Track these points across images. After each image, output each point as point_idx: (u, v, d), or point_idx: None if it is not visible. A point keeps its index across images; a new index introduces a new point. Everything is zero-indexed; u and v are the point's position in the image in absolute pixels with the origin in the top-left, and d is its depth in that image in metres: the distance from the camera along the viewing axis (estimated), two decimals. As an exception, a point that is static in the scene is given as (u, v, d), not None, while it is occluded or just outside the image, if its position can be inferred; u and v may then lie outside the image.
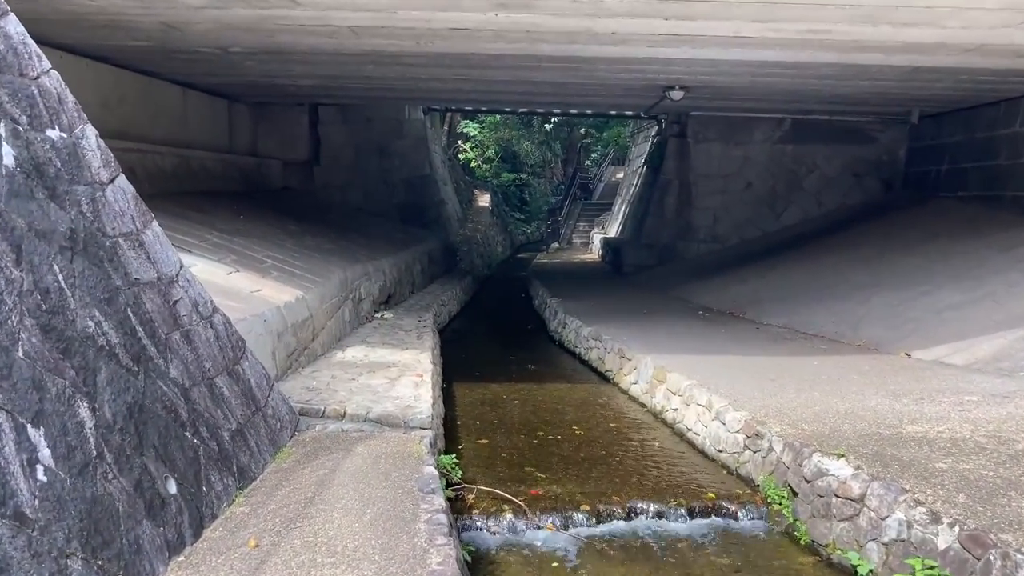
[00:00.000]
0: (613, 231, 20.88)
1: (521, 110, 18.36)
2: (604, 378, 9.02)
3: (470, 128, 27.40)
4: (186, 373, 4.17)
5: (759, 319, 10.33)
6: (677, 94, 12.00)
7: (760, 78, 10.83)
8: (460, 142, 27.53)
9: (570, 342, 10.60)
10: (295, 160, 16.41)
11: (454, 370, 9.11)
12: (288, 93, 14.29)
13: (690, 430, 6.60)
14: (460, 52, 9.32)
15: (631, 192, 19.54)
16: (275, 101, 15.80)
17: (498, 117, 27.98)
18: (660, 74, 10.94)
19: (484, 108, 18.46)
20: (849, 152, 15.40)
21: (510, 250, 27.04)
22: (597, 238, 22.26)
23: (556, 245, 24.51)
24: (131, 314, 3.80)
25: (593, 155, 36.42)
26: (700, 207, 15.85)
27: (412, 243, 14.63)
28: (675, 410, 6.97)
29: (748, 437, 5.63)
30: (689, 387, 6.81)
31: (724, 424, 5.99)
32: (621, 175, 32.93)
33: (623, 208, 20.46)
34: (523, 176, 31.11)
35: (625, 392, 8.28)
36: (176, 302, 4.45)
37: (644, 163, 18.10)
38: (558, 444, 6.52)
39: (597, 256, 21.00)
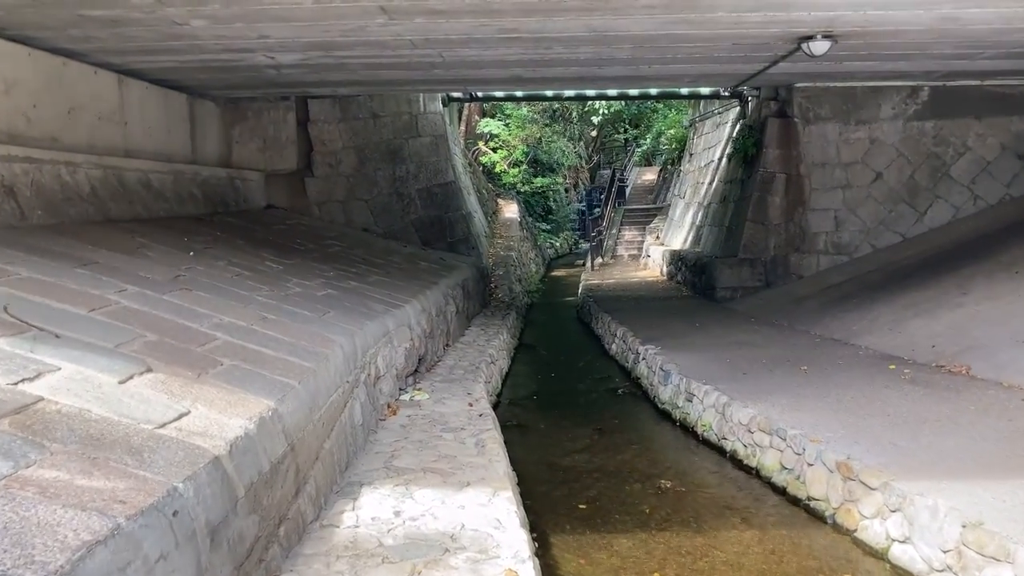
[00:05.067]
0: (679, 242, 17.07)
1: (568, 94, 14.62)
2: (802, 507, 5.28)
3: (491, 126, 23.63)
4: None
5: (1011, 379, 6.53)
6: (820, 45, 8.27)
7: (963, 7, 7.14)
8: (481, 143, 23.76)
9: (708, 428, 6.83)
10: (281, 170, 12.69)
11: (536, 492, 5.42)
12: (267, 81, 10.56)
13: None
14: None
15: (706, 192, 15.74)
16: (252, 95, 12.09)
17: (525, 112, 24.18)
18: (809, 11, 7.26)
19: (520, 94, 14.77)
20: (1012, 127, 11.64)
21: (543, 268, 23.28)
22: (656, 251, 18.46)
23: (600, 260, 20.75)
24: None
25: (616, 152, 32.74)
26: (816, 207, 12.06)
27: (441, 274, 10.89)
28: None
29: None
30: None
31: None
32: (650, 176, 29.28)
33: (693, 213, 16.66)
34: (558, 180, 27.32)
35: (873, 553, 4.54)
36: None
37: (726, 154, 14.33)
38: None
39: (661, 274, 17.20)
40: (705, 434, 6.84)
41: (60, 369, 3.57)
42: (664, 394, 7.90)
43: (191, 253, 7.16)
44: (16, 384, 3.27)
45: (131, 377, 3.75)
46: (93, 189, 7.69)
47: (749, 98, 13.49)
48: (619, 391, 9.03)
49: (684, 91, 13.73)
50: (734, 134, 14.05)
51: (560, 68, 10.09)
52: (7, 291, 4.45)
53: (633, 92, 14.40)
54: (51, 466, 2.70)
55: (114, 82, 8.91)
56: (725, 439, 6.49)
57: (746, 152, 12.83)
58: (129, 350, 4.15)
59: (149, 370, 3.92)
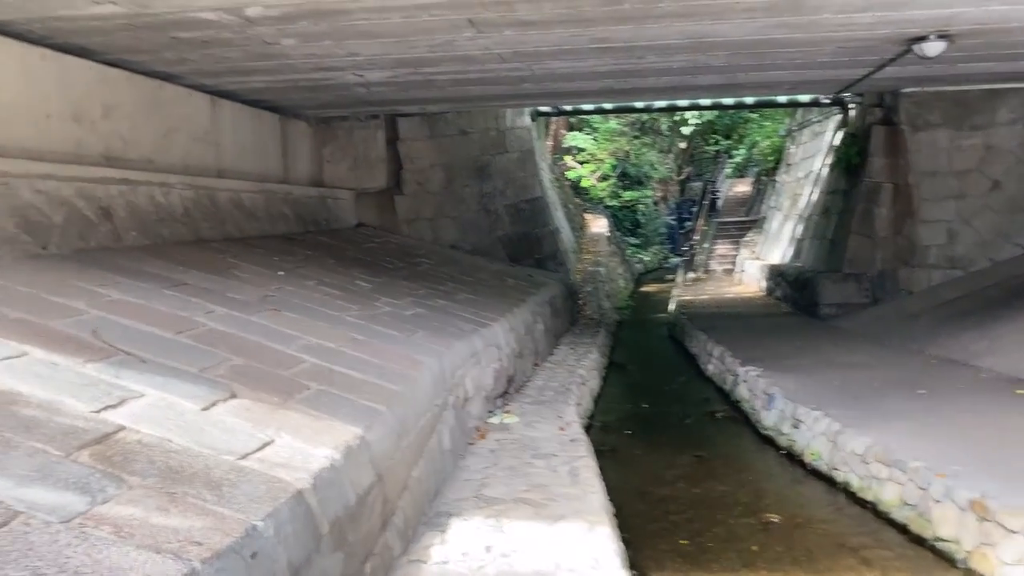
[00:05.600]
0: (777, 256, 16.44)
1: (659, 105, 14.26)
2: (927, 547, 4.81)
3: (579, 140, 23.35)
4: None
5: None
6: (934, 46, 7.73)
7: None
8: (568, 157, 23.50)
9: (818, 457, 6.35)
10: (371, 189, 12.72)
11: (633, 524, 5.10)
12: (357, 99, 10.58)
13: None
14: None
15: (806, 204, 15.11)
16: (343, 114, 12.16)
17: (614, 124, 23.81)
18: (924, 10, 6.77)
19: (610, 107, 14.49)
20: None
21: (632, 284, 22.82)
22: (752, 265, 17.83)
23: (692, 274, 20.19)
24: None
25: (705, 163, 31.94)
26: (927, 219, 11.35)
27: (529, 291, 10.67)
28: None
29: None
30: None
31: None
32: (744, 188, 28.47)
33: (792, 225, 16.02)
34: (647, 193, 26.82)
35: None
36: None
37: (828, 164, 13.70)
38: None
39: (758, 289, 16.58)
40: (814, 463, 6.38)
41: (144, 395, 3.48)
42: (767, 419, 7.45)
43: (281, 273, 7.13)
44: (99, 412, 3.18)
45: (214, 404, 3.64)
46: (186, 210, 7.77)
47: (851, 105, 12.86)
48: (717, 415, 8.60)
49: (782, 99, 13.18)
50: (835, 143, 13.41)
51: (652, 78, 9.78)
52: (98, 314, 4.42)
53: (727, 101, 13.93)
54: (128, 502, 2.57)
55: (207, 103, 9.04)
56: (837, 469, 6.03)
57: (849, 161, 12.20)
58: (214, 375, 4.05)
59: (233, 396, 3.81)
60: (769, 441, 7.30)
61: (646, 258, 28.34)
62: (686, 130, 26.48)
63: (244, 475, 3.03)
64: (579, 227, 20.20)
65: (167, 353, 4.11)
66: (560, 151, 23.75)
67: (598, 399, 9.21)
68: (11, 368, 3.32)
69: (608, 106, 14.38)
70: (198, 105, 8.80)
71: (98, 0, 5.37)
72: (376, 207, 13.13)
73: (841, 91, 11.55)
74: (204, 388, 3.78)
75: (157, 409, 3.37)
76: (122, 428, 3.09)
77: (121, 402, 3.32)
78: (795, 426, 6.81)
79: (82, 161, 6.60)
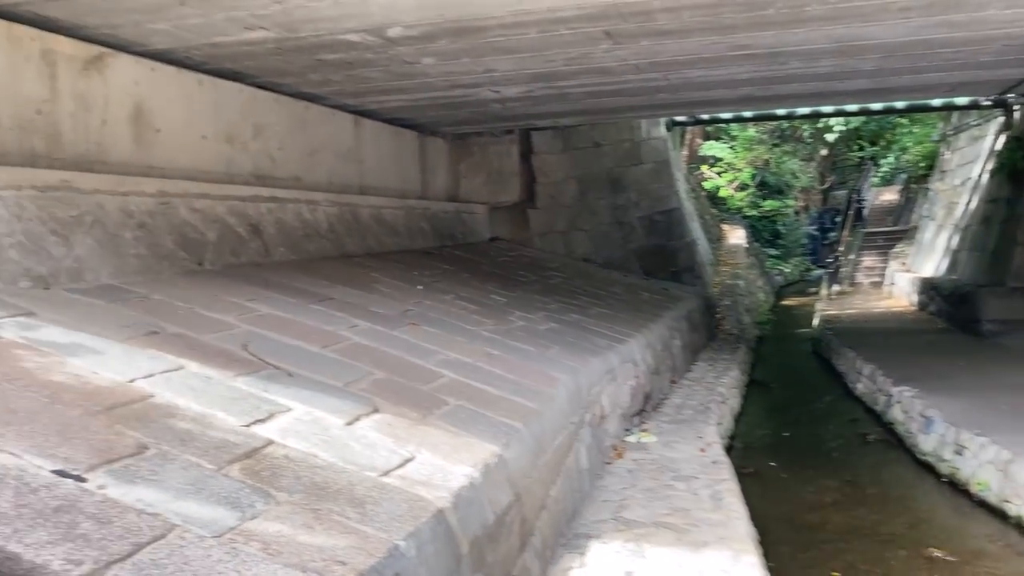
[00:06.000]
0: (931, 268, 15.47)
1: (802, 112, 13.71)
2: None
3: (715, 149, 22.80)
4: None
5: None
6: (1117, 40, 7.04)
7: None
8: (704, 167, 22.99)
9: (985, 487, 5.85)
10: (505, 203, 12.81)
11: (780, 553, 4.83)
12: (492, 115, 10.68)
13: None
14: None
15: (964, 213, 14.15)
16: (478, 130, 12.30)
17: (752, 132, 23.12)
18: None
19: (749, 115, 14.04)
20: None
21: (772, 297, 22.02)
22: (902, 278, 16.86)
23: (837, 287, 19.29)
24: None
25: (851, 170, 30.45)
26: (1105, 229, 10.41)
27: (665, 305, 10.44)
28: None
29: None
30: None
31: None
32: (891, 196, 27.00)
33: (947, 236, 15.04)
34: (788, 203, 25.91)
35: None
36: None
37: (988, 171, 12.78)
38: None
39: (909, 303, 15.65)
40: (981, 494, 5.89)
41: (291, 410, 3.55)
42: (925, 444, 6.96)
43: (420, 287, 7.24)
44: (249, 426, 3.26)
45: (358, 419, 3.68)
46: (331, 225, 8.02)
47: (1016, 107, 11.95)
48: (869, 437, 8.11)
49: (936, 103, 12.40)
50: (997, 147, 12.48)
51: (796, 84, 9.39)
52: (248, 328, 4.58)
53: (876, 106, 13.23)
54: (275, 518, 2.60)
55: (351, 123, 9.33)
56: (1008, 502, 5.54)
57: (1014, 167, 11.31)
58: (357, 389, 4.11)
59: (376, 410, 3.84)
60: (927, 467, 6.81)
61: (786, 270, 27.34)
62: (830, 137, 25.37)
63: (386, 492, 3.04)
64: (716, 238, 19.70)
65: (313, 367, 4.21)
66: (696, 161, 23.26)
67: (739, 418, 8.87)
68: (169, 381, 3.47)
69: (747, 114, 13.94)
70: (342, 124, 9.09)
71: (250, 26, 5.61)
72: (509, 221, 13.21)
73: (1004, 92, 10.75)
74: (348, 402, 3.83)
75: (303, 423, 3.44)
76: (270, 442, 3.16)
77: (269, 416, 3.40)
78: (958, 452, 6.32)
79: (234, 180, 6.92)
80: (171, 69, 6.33)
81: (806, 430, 8.69)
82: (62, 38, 5.37)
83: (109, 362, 3.48)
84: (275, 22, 5.53)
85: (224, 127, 6.96)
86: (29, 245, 4.54)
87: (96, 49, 5.66)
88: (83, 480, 2.46)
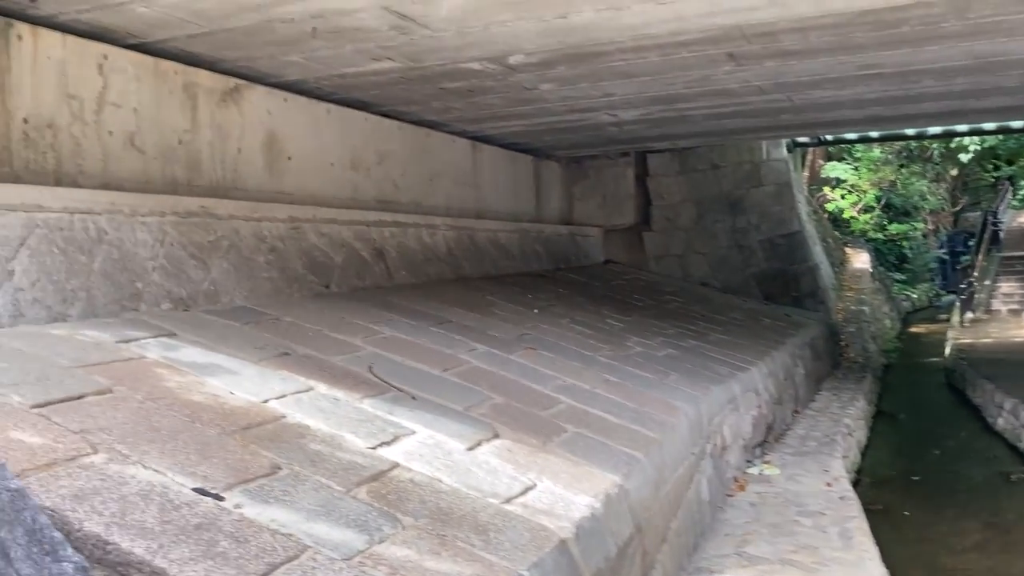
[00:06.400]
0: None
1: (933, 131, 13.09)
2: None
3: (838, 170, 22.01)
4: None
5: None
6: None
7: None
8: (826, 189, 22.22)
9: None
10: (619, 226, 12.72)
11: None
12: (607, 138, 10.65)
13: None
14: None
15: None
16: (593, 153, 12.29)
17: (877, 153, 22.23)
18: None
19: (875, 135, 13.51)
20: None
21: (899, 323, 21.02)
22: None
23: (970, 314, 18.25)
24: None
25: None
26: None
27: (787, 332, 10.11)
28: None
29: None
30: None
31: None
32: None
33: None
34: (915, 226, 24.76)
35: None
36: None
37: None
38: None
39: (1054, 333, 14.65)
40: None
41: (415, 433, 3.60)
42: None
43: (535, 311, 7.26)
44: (375, 448, 3.32)
45: (479, 444, 3.70)
46: (449, 249, 8.15)
47: None
48: (1012, 477, 7.59)
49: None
50: None
51: (928, 103, 8.96)
52: (373, 350, 4.69)
53: (1016, 124, 12.49)
54: (402, 542, 2.63)
55: (468, 148, 9.48)
56: None
57: None
58: (477, 413, 4.14)
59: (496, 436, 3.85)
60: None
61: (914, 295, 26.07)
62: (964, 157, 24.08)
63: (509, 520, 3.03)
64: (839, 262, 18.97)
65: (434, 390, 4.26)
66: (817, 182, 22.52)
67: (865, 452, 8.47)
68: (299, 402, 3.57)
69: (874, 134, 13.41)
70: (460, 150, 9.25)
71: (377, 57, 5.78)
72: (624, 244, 13.10)
73: None
74: (469, 427, 3.86)
75: (426, 447, 3.48)
76: (396, 465, 3.20)
77: (394, 439, 3.46)
78: None
79: (359, 205, 7.13)
80: (302, 99, 6.59)
81: (940, 466, 8.21)
82: (203, 71, 5.68)
83: (244, 383, 3.62)
84: (401, 53, 5.68)
85: (350, 154, 7.19)
86: (171, 268, 4.80)
87: (233, 81, 5.95)
88: (221, 499, 2.55)
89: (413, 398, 4.04)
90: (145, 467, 2.60)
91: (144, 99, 5.18)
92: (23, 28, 4.48)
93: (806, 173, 20.73)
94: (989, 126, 13.00)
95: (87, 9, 4.51)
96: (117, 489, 2.39)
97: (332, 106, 6.99)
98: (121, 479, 2.46)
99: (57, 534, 1.42)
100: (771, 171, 13.21)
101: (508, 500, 3.20)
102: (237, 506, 2.53)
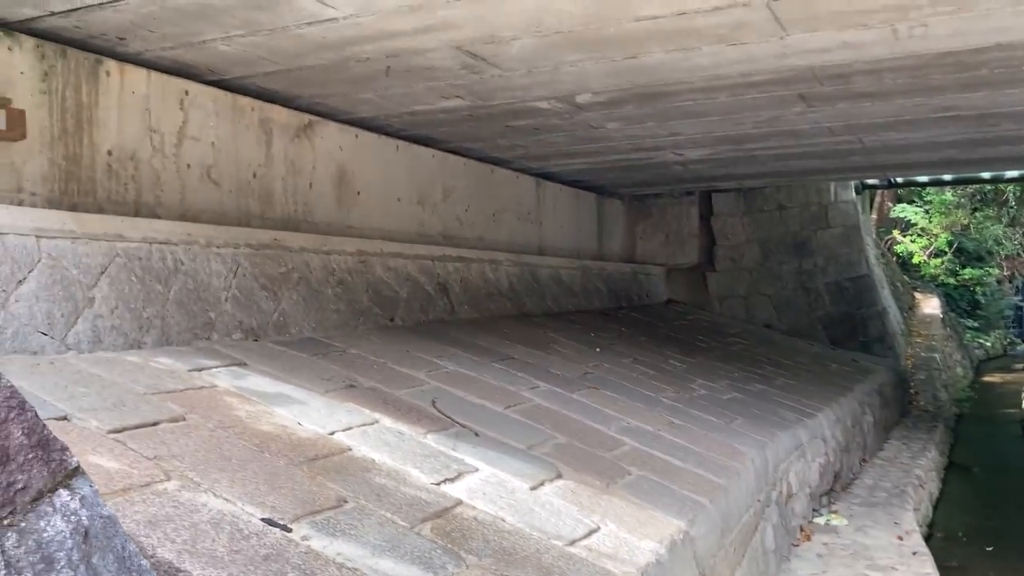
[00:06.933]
0: None
1: (1011, 175, 12.73)
2: None
3: (908, 212, 21.52)
4: None
5: None
6: None
7: None
8: (896, 231, 21.72)
9: None
10: (682, 265, 12.61)
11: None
12: (672, 177, 10.61)
13: None
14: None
15: None
16: (657, 191, 12.25)
17: (949, 195, 21.70)
18: None
19: (949, 178, 13.20)
20: None
21: (972, 372, 20.33)
22: None
23: (1049, 365, 17.59)
24: None
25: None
26: None
27: (855, 378, 9.85)
28: None
29: None
30: None
31: None
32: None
33: None
34: (990, 271, 24.00)
35: None
36: None
37: None
38: None
39: None
40: None
41: (478, 470, 3.58)
42: None
43: (597, 349, 7.21)
44: (439, 484, 3.31)
45: (542, 483, 3.66)
46: (511, 285, 8.17)
47: None
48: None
49: None
50: None
51: (1006, 147, 8.72)
52: (436, 385, 4.70)
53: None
54: (466, 582, 2.60)
55: (532, 185, 9.53)
56: None
57: None
58: (540, 452, 4.10)
59: (559, 476, 3.81)
60: None
61: (987, 343, 25.19)
62: None
63: (573, 563, 2.98)
64: (908, 307, 18.47)
65: (497, 427, 4.25)
66: (886, 224, 22.04)
67: (937, 505, 8.16)
68: (365, 435, 3.59)
69: (947, 177, 13.10)
70: (524, 187, 9.30)
71: (447, 95, 5.87)
72: (686, 283, 12.98)
73: None
74: (532, 466, 3.83)
75: (490, 485, 3.45)
76: (459, 503, 3.18)
77: (458, 476, 3.44)
78: None
79: (424, 240, 7.20)
80: (372, 135, 6.72)
81: (1018, 522, 7.85)
82: (278, 107, 5.83)
83: (311, 413, 3.66)
84: (470, 91, 5.76)
85: (417, 190, 7.28)
86: (242, 299, 4.89)
87: (306, 117, 6.10)
88: (289, 530, 2.56)
89: (476, 435, 4.03)
90: (216, 495, 2.63)
91: (222, 134, 5.34)
92: (111, 64, 4.67)
93: (874, 215, 20.31)
94: (1069, 170, 12.59)
95: (171, 47, 4.68)
96: (189, 516, 2.42)
97: (401, 142, 7.11)
98: (193, 507, 2.49)
99: (144, 562, 1.44)
100: (839, 213, 12.98)
101: (572, 542, 3.15)
102: (304, 538, 2.53)
